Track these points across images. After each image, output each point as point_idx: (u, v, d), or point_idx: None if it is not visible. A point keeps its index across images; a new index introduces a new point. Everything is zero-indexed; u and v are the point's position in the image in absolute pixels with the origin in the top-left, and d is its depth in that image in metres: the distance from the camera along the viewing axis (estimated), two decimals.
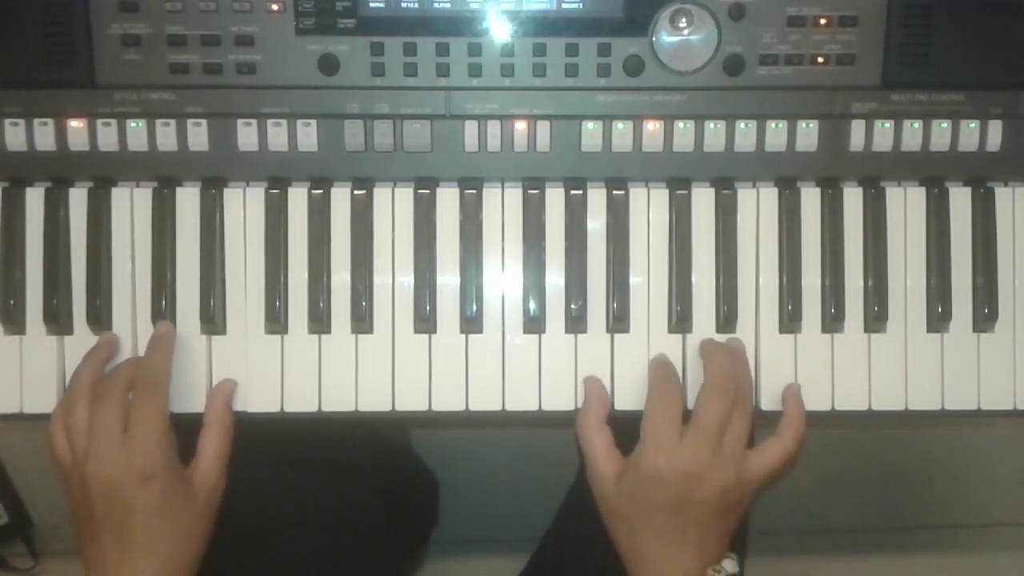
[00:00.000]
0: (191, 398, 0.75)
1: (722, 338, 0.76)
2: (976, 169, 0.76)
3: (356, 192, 0.76)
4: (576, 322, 0.76)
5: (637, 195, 0.77)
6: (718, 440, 0.69)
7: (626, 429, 0.73)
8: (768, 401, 0.76)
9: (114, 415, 0.69)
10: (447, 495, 1.14)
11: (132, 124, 0.74)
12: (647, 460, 0.69)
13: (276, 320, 0.75)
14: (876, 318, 0.76)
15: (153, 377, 0.71)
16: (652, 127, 0.75)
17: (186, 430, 0.75)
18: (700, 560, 0.70)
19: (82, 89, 0.73)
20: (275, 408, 0.76)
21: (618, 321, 0.76)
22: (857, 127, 0.75)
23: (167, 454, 0.69)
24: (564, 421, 0.76)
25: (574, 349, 0.76)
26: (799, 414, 0.74)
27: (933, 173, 0.76)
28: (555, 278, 0.76)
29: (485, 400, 0.76)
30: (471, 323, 0.76)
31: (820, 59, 0.74)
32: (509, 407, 0.76)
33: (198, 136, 0.74)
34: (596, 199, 0.76)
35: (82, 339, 0.75)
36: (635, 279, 0.76)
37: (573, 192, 0.76)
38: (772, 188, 0.77)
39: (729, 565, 0.71)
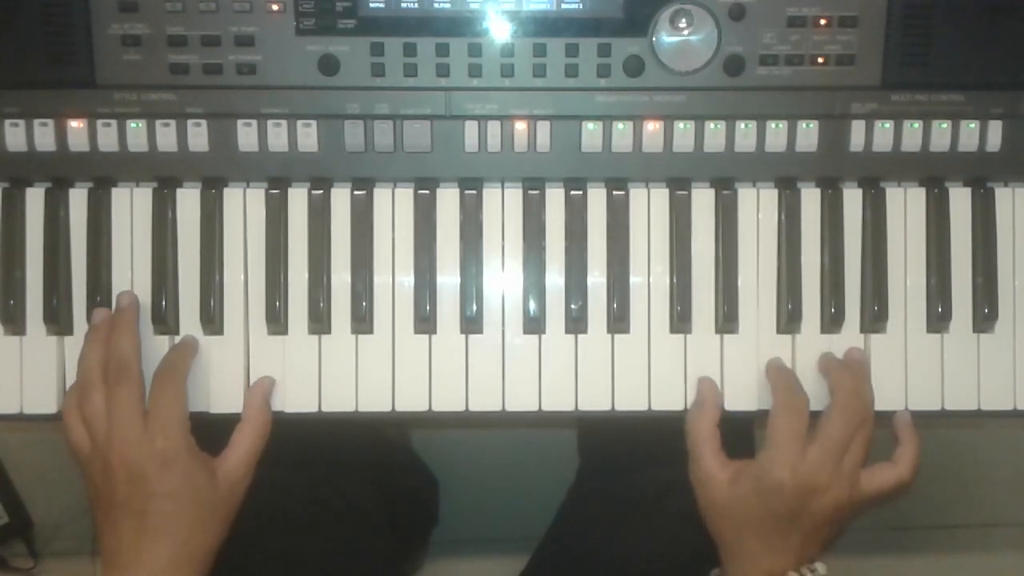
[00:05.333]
0: (191, 398, 0.74)
1: (717, 339, 0.76)
2: (976, 169, 0.76)
3: (356, 192, 0.76)
4: (576, 322, 0.76)
5: (637, 195, 0.77)
6: (840, 458, 0.71)
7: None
8: (767, 402, 0.76)
9: (133, 399, 0.69)
10: (447, 495, 1.14)
11: (132, 124, 0.74)
12: (773, 472, 0.70)
13: (276, 320, 0.75)
14: (876, 318, 0.76)
15: (172, 366, 0.72)
16: (652, 127, 0.74)
17: (205, 427, 0.75)
18: (796, 563, 0.72)
19: (82, 89, 0.73)
20: (275, 408, 0.75)
21: (618, 321, 0.76)
22: (857, 127, 0.74)
23: (188, 439, 0.70)
24: (564, 421, 0.76)
25: (574, 349, 0.76)
26: (915, 443, 0.75)
27: (933, 173, 0.76)
28: (555, 278, 0.76)
29: (485, 400, 0.76)
30: (471, 323, 0.76)
31: (820, 59, 0.74)
32: (509, 407, 0.76)
33: (198, 136, 0.74)
34: (596, 199, 0.76)
35: (82, 339, 0.75)
36: (635, 279, 0.76)
37: (573, 192, 0.76)
38: (772, 188, 0.77)
39: (821, 568, 0.73)
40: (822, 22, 0.73)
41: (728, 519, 0.73)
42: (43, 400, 0.76)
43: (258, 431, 0.73)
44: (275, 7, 0.72)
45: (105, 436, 0.69)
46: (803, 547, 0.72)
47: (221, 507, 0.71)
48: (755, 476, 0.71)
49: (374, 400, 0.76)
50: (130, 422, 0.69)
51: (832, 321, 0.76)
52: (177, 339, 0.75)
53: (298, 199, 0.76)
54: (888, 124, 0.75)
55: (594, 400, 0.76)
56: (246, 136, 0.74)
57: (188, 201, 0.76)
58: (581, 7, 0.73)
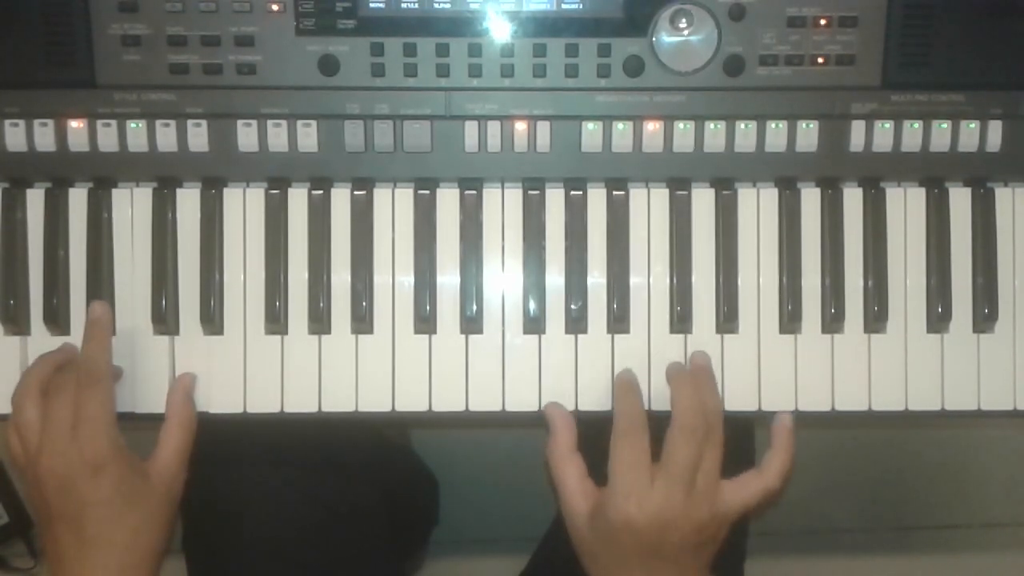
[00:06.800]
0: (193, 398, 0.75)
1: (717, 339, 0.76)
2: (976, 169, 0.76)
3: (356, 192, 0.76)
4: (576, 322, 0.76)
5: (637, 195, 0.77)
6: (690, 480, 0.67)
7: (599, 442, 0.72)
8: (768, 402, 0.76)
9: (65, 411, 0.69)
10: (447, 495, 1.14)
11: (132, 124, 0.74)
12: (618, 507, 0.67)
13: (276, 320, 0.75)
14: (876, 318, 0.76)
15: (93, 368, 0.71)
16: (652, 127, 0.74)
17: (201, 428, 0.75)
18: None
19: (82, 89, 0.73)
20: (275, 408, 0.76)
21: (618, 321, 0.76)
22: (857, 127, 0.74)
23: (117, 445, 0.69)
24: None
25: (574, 349, 0.76)
26: (788, 450, 0.72)
27: (933, 173, 0.76)
28: (555, 278, 0.76)
29: (485, 400, 0.76)
30: (471, 323, 0.76)
31: (820, 59, 0.73)
32: (509, 407, 0.76)
33: (198, 136, 0.74)
34: (596, 199, 0.76)
35: (81, 339, 0.75)
36: (635, 279, 0.76)
37: (573, 192, 0.76)
38: (772, 188, 0.77)
39: None
40: (822, 22, 0.73)
41: (594, 557, 0.70)
42: None
43: (184, 426, 0.73)
44: (275, 7, 0.72)
45: (35, 448, 0.69)
46: (683, 575, 0.69)
47: (159, 508, 0.71)
48: (604, 512, 0.68)
49: (374, 400, 0.76)
50: (59, 433, 0.68)
51: (832, 321, 0.76)
52: (177, 338, 0.76)
53: (298, 199, 0.76)
54: (888, 124, 0.75)
55: (594, 400, 0.76)
56: (246, 136, 0.74)
57: (188, 201, 0.76)
58: (581, 7, 0.73)
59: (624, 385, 0.73)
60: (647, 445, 0.69)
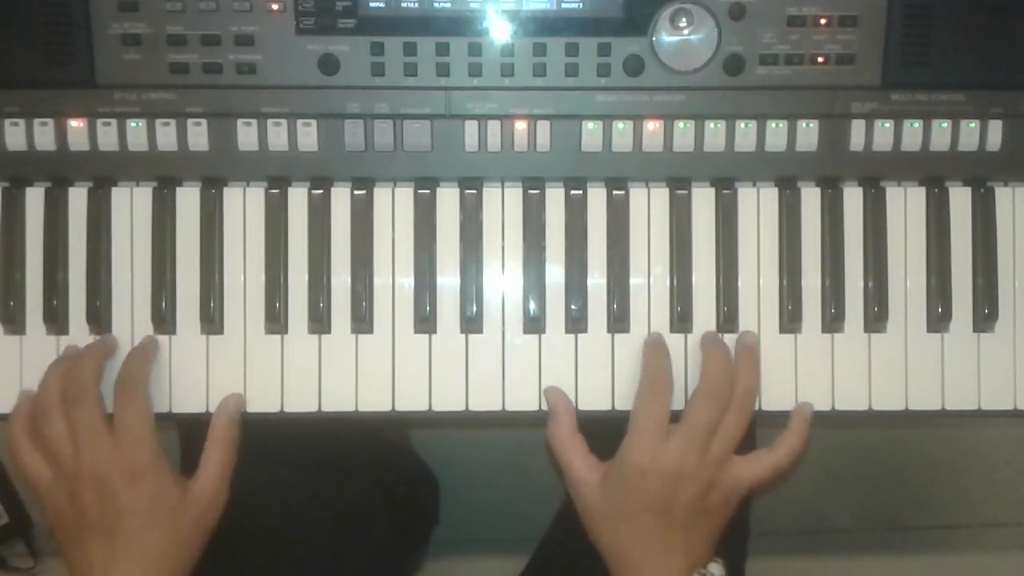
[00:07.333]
0: (190, 398, 0.75)
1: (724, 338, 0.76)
2: (976, 169, 0.76)
3: (356, 192, 0.76)
4: (576, 322, 0.76)
5: (637, 195, 0.77)
6: (706, 442, 0.70)
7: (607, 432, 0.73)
8: (768, 401, 0.76)
9: (96, 417, 0.69)
10: (447, 495, 1.14)
11: (132, 124, 0.74)
12: (633, 458, 0.69)
13: (276, 320, 0.75)
14: (876, 318, 0.76)
15: (132, 378, 0.71)
16: (652, 127, 0.74)
17: (188, 432, 0.74)
18: (686, 561, 0.70)
19: (82, 89, 0.73)
20: (275, 408, 0.76)
21: (618, 321, 0.76)
22: (857, 127, 0.75)
23: (156, 454, 0.69)
24: None
25: (574, 349, 0.76)
26: (802, 434, 0.74)
27: (933, 173, 0.76)
28: (555, 278, 0.76)
29: (485, 400, 0.76)
30: (471, 323, 0.76)
31: (820, 59, 0.74)
32: (509, 407, 0.76)
33: (198, 136, 0.74)
34: (596, 199, 0.76)
35: (81, 339, 0.75)
36: (635, 279, 0.76)
37: (573, 192, 0.76)
38: (772, 188, 0.77)
39: (715, 568, 0.71)
40: (822, 22, 0.73)
41: (604, 523, 0.72)
42: None
43: (225, 449, 0.72)
44: (275, 6, 0.72)
45: (73, 458, 0.68)
46: (689, 545, 0.70)
47: (194, 526, 0.71)
48: (618, 468, 0.70)
49: (374, 400, 0.76)
50: (97, 440, 0.68)
51: (832, 320, 0.76)
52: (177, 338, 0.76)
53: (298, 199, 0.76)
54: (888, 124, 0.75)
55: (594, 400, 0.76)
56: (246, 136, 0.74)
57: (188, 201, 0.76)
58: (581, 6, 0.73)
59: (655, 344, 0.74)
60: (668, 404, 0.71)
